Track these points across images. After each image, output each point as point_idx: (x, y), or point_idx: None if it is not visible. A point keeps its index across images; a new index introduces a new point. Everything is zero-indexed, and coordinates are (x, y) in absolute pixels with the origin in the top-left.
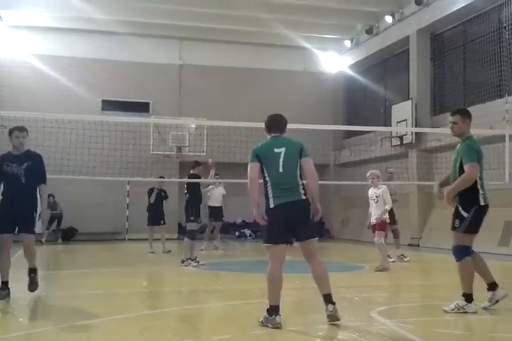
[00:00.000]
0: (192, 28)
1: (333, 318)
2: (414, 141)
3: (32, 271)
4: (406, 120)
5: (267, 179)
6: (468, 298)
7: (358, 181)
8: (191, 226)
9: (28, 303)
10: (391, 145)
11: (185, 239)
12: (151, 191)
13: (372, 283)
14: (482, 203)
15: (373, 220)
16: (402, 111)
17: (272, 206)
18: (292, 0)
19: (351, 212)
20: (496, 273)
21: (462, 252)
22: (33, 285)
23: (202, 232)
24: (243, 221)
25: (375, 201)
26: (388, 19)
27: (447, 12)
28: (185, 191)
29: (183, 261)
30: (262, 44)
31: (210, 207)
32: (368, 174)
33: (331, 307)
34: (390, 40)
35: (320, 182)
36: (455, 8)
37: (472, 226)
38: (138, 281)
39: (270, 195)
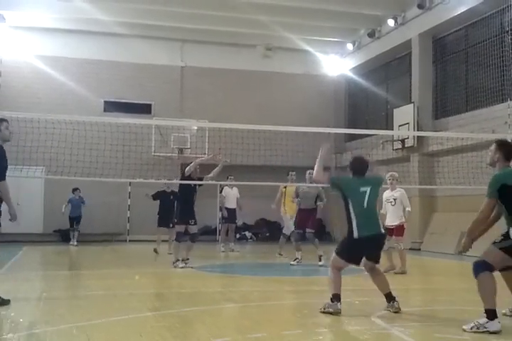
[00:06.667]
0: (194, 30)
1: (396, 311)
2: (415, 145)
3: None
4: (408, 123)
5: (351, 210)
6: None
7: None
8: (178, 228)
9: (29, 303)
10: (393, 149)
11: (173, 240)
12: (158, 194)
13: (373, 287)
14: None
15: (390, 223)
16: (403, 114)
17: (355, 237)
18: (294, 3)
19: None
20: None
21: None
22: None
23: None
24: (244, 223)
25: (392, 204)
26: (390, 22)
27: (449, 16)
28: (178, 193)
29: (173, 263)
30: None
31: (224, 208)
32: (387, 176)
33: (396, 304)
34: (392, 43)
35: (321, 185)
36: (457, 12)
37: None
38: (138, 283)
39: (354, 224)
